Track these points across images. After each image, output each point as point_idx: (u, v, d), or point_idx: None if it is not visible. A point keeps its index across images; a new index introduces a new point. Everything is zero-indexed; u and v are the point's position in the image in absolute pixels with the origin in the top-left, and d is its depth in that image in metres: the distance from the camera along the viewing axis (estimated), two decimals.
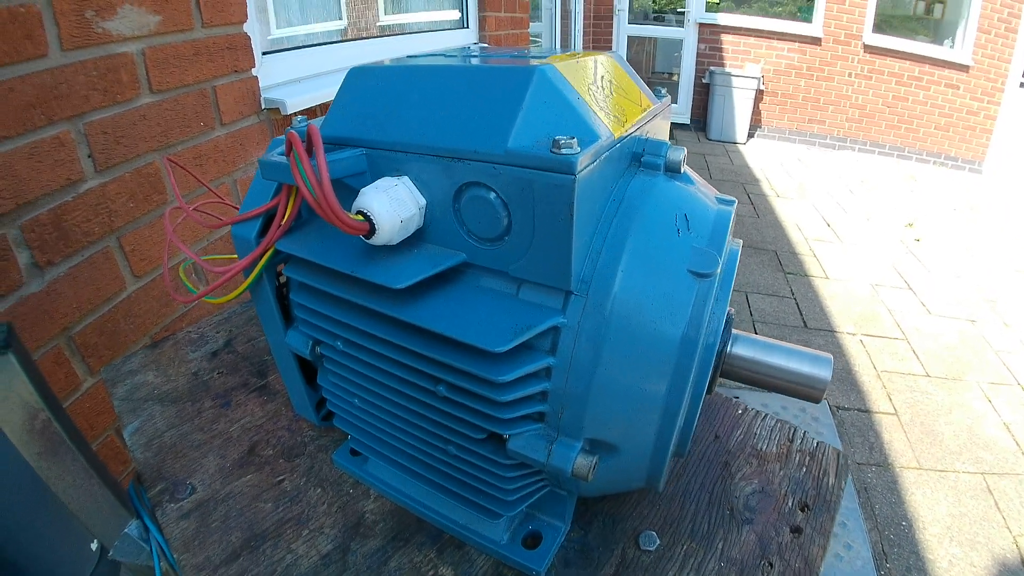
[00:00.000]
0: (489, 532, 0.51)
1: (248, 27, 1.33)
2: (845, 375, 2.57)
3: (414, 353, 0.41)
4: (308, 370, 0.59)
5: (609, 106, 0.41)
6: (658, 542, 0.55)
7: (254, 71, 1.39)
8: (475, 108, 0.37)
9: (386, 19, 2.66)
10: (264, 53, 1.53)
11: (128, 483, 0.69)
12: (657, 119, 0.51)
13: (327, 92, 1.64)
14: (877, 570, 1.69)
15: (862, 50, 5.45)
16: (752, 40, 5.77)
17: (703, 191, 0.46)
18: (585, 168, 0.33)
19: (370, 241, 0.37)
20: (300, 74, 1.66)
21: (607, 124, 0.39)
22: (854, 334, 2.89)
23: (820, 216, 4.32)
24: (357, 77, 0.44)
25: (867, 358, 2.69)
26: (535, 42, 4.95)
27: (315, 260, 0.41)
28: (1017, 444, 2.20)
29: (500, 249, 0.38)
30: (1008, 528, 1.84)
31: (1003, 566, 1.72)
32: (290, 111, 1.48)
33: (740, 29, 5.77)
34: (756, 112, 5.99)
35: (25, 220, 0.89)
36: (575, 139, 0.33)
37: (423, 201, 0.39)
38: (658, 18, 7.02)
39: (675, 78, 6.48)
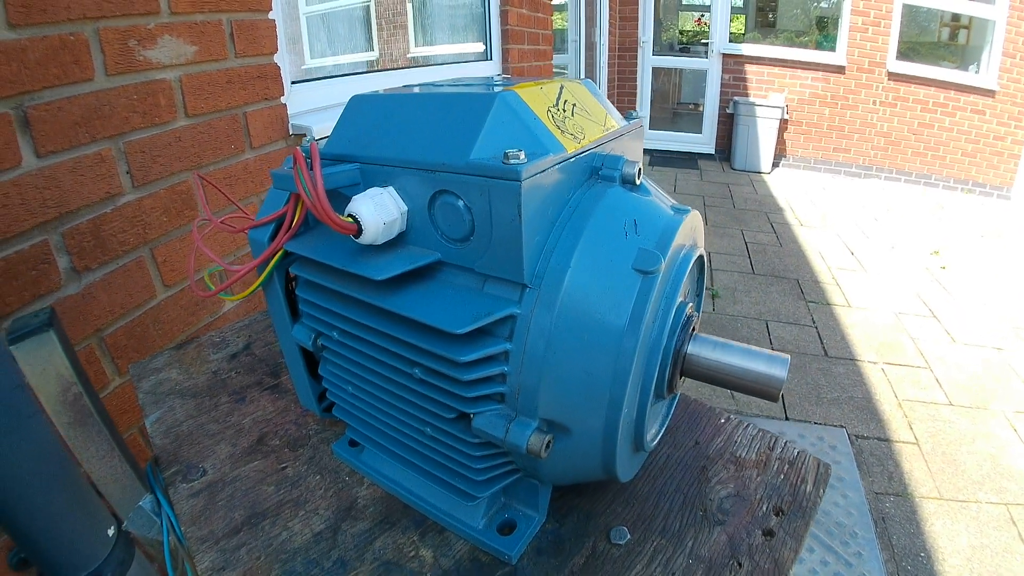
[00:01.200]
0: (467, 518, 0.56)
1: (278, 58, 1.43)
2: (865, 404, 2.53)
3: (394, 339, 0.47)
4: (311, 364, 0.65)
5: (567, 126, 0.47)
6: (628, 537, 0.57)
7: (283, 99, 1.49)
8: (446, 128, 0.44)
9: (415, 51, 2.80)
10: (293, 82, 1.63)
11: (146, 467, 0.75)
12: (625, 139, 0.57)
13: None
14: None
15: (886, 77, 5.44)
16: (776, 70, 5.82)
17: (660, 202, 0.50)
18: (532, 176, 0.39)
19: (358, 240, 0.43)
20: (327, 102, 1.77)
21: (562, 141, 0.45)
22: (876, 363, 2.85)
23: (844, 244, 4.28)
24: (355, 103, 0.52)
25: (888, 387, 2.65)
26: (561, 72, 5.08)
27: (315, 258, 0.47)
28: None
29: (467, 248, 0.44)
30: None
31: None
32: (317, 137, 1.57)
33: (764, 59, 5.83)
34: (780, 141, 5.99)
35: (66, 228, 0.98)
36: (523, 152, 0.39)
37: (405, 207, 0.46)
38: (684, 49, 7.11)
39: (700, 108, 6.54)
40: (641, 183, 0.50)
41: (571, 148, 0.46)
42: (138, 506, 0.67)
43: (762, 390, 0.49)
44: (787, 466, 0.68)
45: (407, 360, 0.47)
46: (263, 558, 0.56)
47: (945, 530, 1.90)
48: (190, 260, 0.63)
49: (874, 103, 5.59)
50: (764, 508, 0.61)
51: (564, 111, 0.49)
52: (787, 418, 2.45)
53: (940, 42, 5.75)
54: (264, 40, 1.36)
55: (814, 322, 3.21)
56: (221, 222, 0.67)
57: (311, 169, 0.42)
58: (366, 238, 0.42)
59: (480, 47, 3.02)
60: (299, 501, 0.64)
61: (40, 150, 0.93)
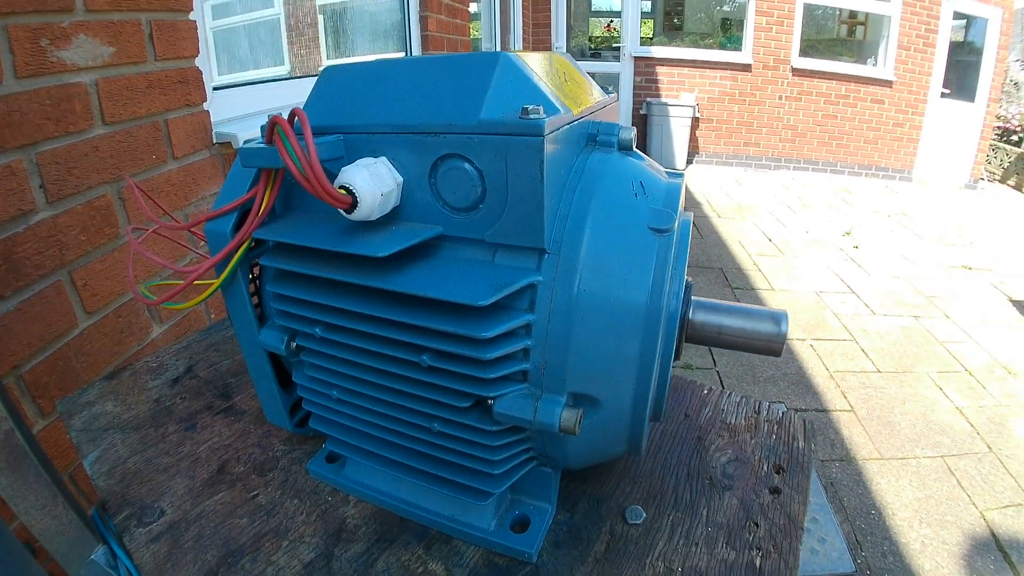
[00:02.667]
0: (476, 520, 0.52)
1: (200, 61, 1.33)
2: (799, 379, 2.66)
3: (398, 324, 0.42)
4: (281, 374, 0.59)
5: (564, 91, 0.45)
6: (644, 515, 0.56)
7: (206, 105, 1.38)
8: (447, 89, 0.40)
9: (330, 62, 2.69)
10: (215, 88, 1.53)
11: (92, 513, 0.65)
12: (606, 111, 0.55)
13: None
14: (854, 559, 1.73)
15: (791, 73, 5.83)
16: (686, 70, 6.10)
17: (654, 167, 0.50)
18: (551, 132, 0.37)
19: (351, 216, 0.38)
20: (252, 109, 1.66)
21: (565, 104, 0.43)
22: (804, 339, 3.00)
23: (762, 232, 4.52)
24: (331, 74, 0.47)
25: (819, 360, 2.80)
26: None
27: (296, 242, 0.42)
28: (972, 426, 2.31)
29: (475, 217, 0.40)
30: (974, 504, 1.92)
31: (974, 540, 1.79)
32: (242, 145, 1.47)
33: (674, 61, 6.10)
34: (693, 139, 6.28)
35: None
36: (541, 107, 0.37)
37: (400, 178, 0.41)
38: (595, 55, 7.31)
39: None
40: (634, 150, 0.49)
41: (576, 111, 0.44)
42: (90, 560, 0.57)
43: (766, 347, 0.50)
44: (776, 426, 0.70)
45: (413, 347, 0.43)
46: None
47: (891, 487, 2.01)
48: (129, 270, 0.55)
49: (780, 98, 5.97)
50: (765, 468, 0.63)
51: (558, 77, 0.46)
52: None
53: (839, 38, 6.24)
54: (185, 42, 1.26)
55: None
56: (154, 231, 0.60)
57: (299, 137, 0.37)
58: (360, 213, 0.38)
59: (400, 55, 2.96)
60: (280, 531, 0.57)
61: None
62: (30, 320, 0.94)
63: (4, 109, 0.87)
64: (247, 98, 1.68)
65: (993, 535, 1.80)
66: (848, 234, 4.46)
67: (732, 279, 3.69)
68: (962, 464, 2.10)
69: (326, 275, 0.42)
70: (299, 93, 1.96)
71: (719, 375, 2.68)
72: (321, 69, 0.47)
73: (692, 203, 5.23)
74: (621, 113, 6.53)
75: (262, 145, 0.41)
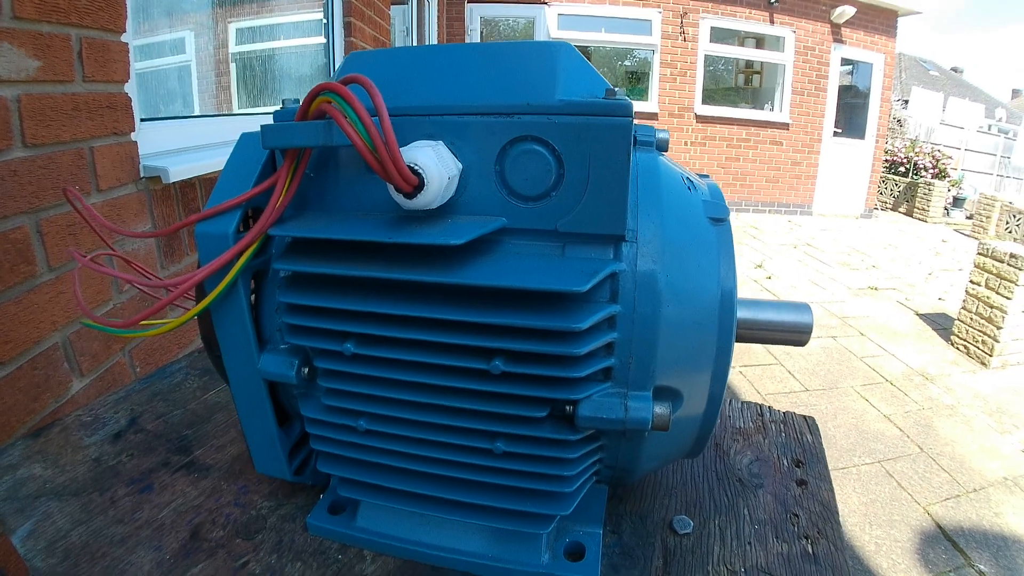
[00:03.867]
0: (526, 557, 0.46)
1: (129, 88, 1.22)
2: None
3: (466, 326, 0.37)
4: (278, 412, 0.51)
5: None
6: (692, 524, 0.55)
7: (133, 136, 1.26)
8: (515, 71, 0.38)
9: (242, 111, 2.56)
10: (142, 120, 1.40)
11: None
12: None
13: (212, 163, 1.52)
14: None
15: (695, 120, 6.32)
16: None
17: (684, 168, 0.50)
18: (632, 115, 0.36)
19: (412, 202, 0.34)
20: (181, 144, 1.54)
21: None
22: (733, 367, 3.15)
23: None
24: (360, 59, 0.42)
25: (750, 385, 2.93)
26: None
27: (340, 236, 0.36)
28: (900, 430, 2.47)
29: (546, 206, 0.37)
30: (917, 502, 2.02)
31: (923, 535, 1.88)
32: (172, 180, 1.35)
33: None
34: None
35: None
36: (618, 89, 0.36)
37: (460, 165, 0.38)
38: None
39: None
40: None
41: None
42: None
43: (794, 338, 0.50)
44: (783, 426, 0.73)
45: (482, 352, 0.38)
46: None
47: (837, 496, 2.09)
48: (76, 289, 0.46)
49: (686, 144, 6.44)
50: (786, 464, 0.65)
51: None
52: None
53: (738, 87, 6.86)
54: (116, 65, 1.15)
55: None
56: (92, 260, 0.51)
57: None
58: (424, 197, 0.33)
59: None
60: None
61: None
62: None
63: None
64: (175, 133, 1.55)
65: (939, 527, 1.90)
66: (760, 266, 4.77)
67: None
68: (899, 466, 2.23)
69: (376, 274, 0.36)
70: (231, 130, 1.85)
71: None
72: (347, 56, 0.42)
73: None
74: None
75: (291, 123, 0.35)
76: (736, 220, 6.38)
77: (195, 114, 2.00)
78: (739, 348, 3.29)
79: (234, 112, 2.14)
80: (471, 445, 0.41)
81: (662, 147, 0.47)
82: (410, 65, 0.41)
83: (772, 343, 0.52)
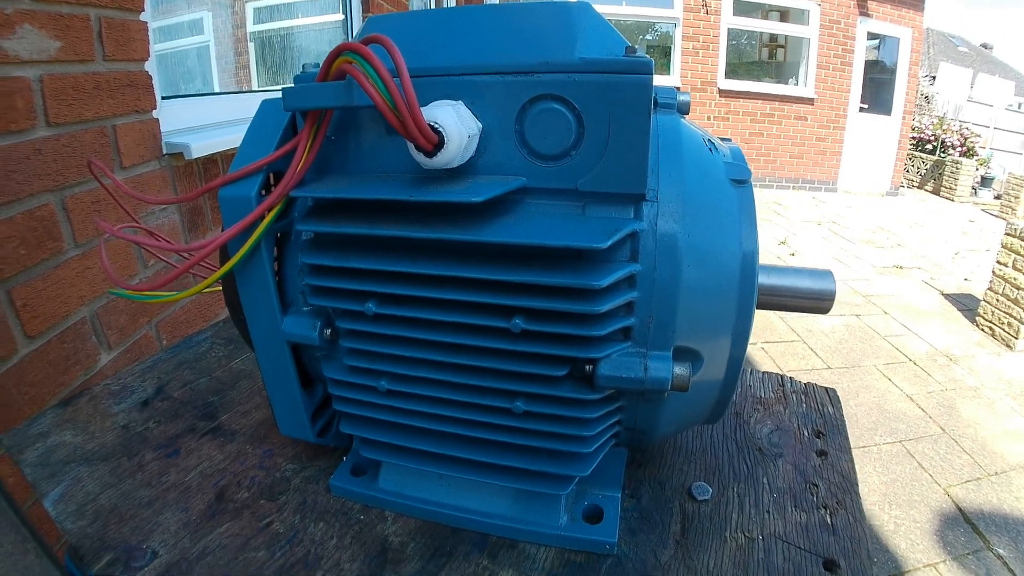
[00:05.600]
0: (545, 518, 0.47)
1: (150, 66, 1.23)
2: None
3: (486, 284, 0.38)
4: (301, 374, 0.51)
5: None
6: (711, 490, 0.55)
7: (155, 113, 1.28)
8: (534, 29, 0.38)
9: (261, 88, 2.58)
10: (164, 97, 1.42)
11: (64, 561, 0.54)
12: None
13: (233, 139, 1.54)
14: None
15: (717, 94, 6.16)
16: None
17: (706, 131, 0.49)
18: (652, 73, 0.35)
19: (432, 160, 0.34)
20: (203, 121, 1.56)
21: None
22: (755, 343, 3.11)
23: None
24: (380, 22, 0.42)
25: (772, 362, 2.89)
26: None
27: (362, 196, 0.36)
28: (923, 410, 2.43)
29: (566, 165, 0.37)
30: (937, 483, 2.00)
31: (943, 516, 1.86)
32: (195, 156, 1.36)
33: None
34: None
35: None
36: (639, 48, 0.35)
37: (480, 125, 0.37)
38: None
39: None
40: None
41: None
42: None
43: (816, 305, 0.50)
44: (803, 396, 0.73)
45: (503, 310, 0.38)
46: None
47: (858, 474, 2.07)
48: (102, 259, 0.47)
49: (709, 118, 6.30)
50: (806, 434, 0.65)
51: None
52: None
53: (761, 61, 6.67)
54: (135, 43, 1.16)
55: None
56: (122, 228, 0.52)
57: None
58: (444, 156, 0.33)
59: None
60: (309, 560, 0.49)
61: None
62: None
63: None
64: (196, 111, 1.56)
65: (959, 509, 1.88)
66: (783, 243, 4.69)
67: None
68: (920, 447, 2.20)
69: (398, 233, 0.36)
70: (254, 105, 1.85)
71: None
72: (368, 19, 0.42)
73: None
74: None
75: (312, 84, 0.35)
76: (760, 196, 6.26)
77: (215, 91, 2.01)
78: (761, 324, 3.26)
79: (254, 89, 2.14)
80: (491, 404, 0.41)
81: (683, 110, 0.46)
82: (429, 26, 0.40)
83: (794, 311, 0.51)
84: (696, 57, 6.12)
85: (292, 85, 0.40)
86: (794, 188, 6.56)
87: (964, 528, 1.81)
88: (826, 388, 0.74)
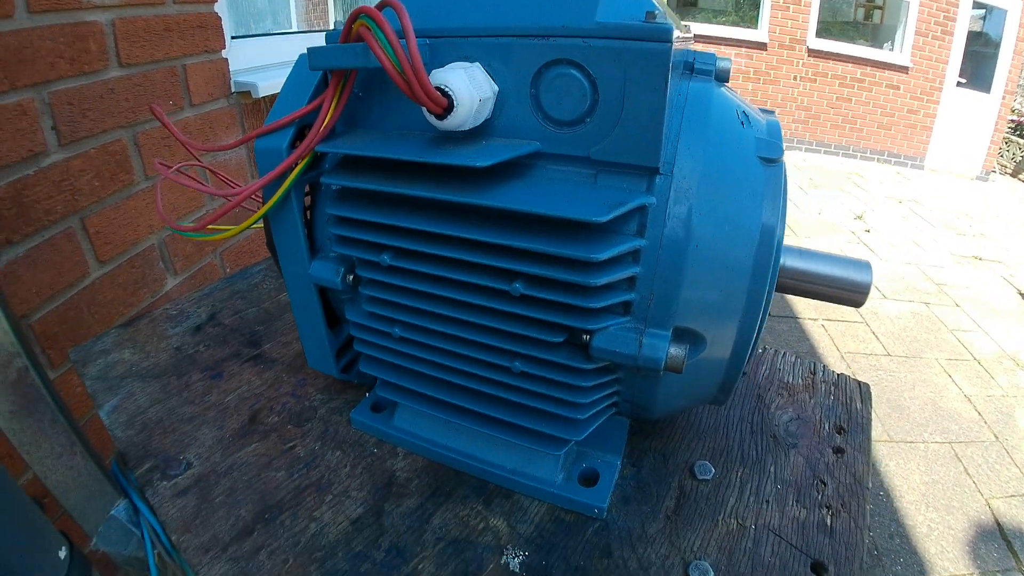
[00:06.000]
0: (542, 473, 0.49)
1: (219, 7, 1.26)
2: (811, 357, 2.66)
3: (489, 246, 0.39)
4: (327, 314, 0.55)
5: (666, 12, 0.41)
6: (713, 471, 0.54)
7: (224, 53, 1.32)
8: None
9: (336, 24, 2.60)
10: (233, 37, 1.46)
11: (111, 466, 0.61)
12: (687, 46, 0.51)
13: None
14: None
15: (806, 54, 5.72)
16: (700, 46, 5.97)
17: (747, 101, 0.46)
18: (674, 41, 0.33)
19: (443, 123, 0.35)
20: (271, 60, 1.60)
21: (674, 22, 0.39)
22: (816, 319, 2.98)
23: None
24: None
25: (830, 341, 2.78)
26: None
27: (375, 154, 0.38)
28: (979, 414, 2.30)
29: (580, 132, 0.37)
30: (980, 492, 1.91)
31: (979, 528, 1.78)
32: (262, 95, 1.41)
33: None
34: None
35: None
36: (664, 13, 0.34)
37: (496, 87, 0.37)
38: None
39: None
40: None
41: (683, 32, 0.41)
42: (110, 516, 0.53)
43: (849, 297, 0.47)
44: (833, 387, 0.69)
45: (504, 273, 0.39)
46: (292, 561, 0.46)
47: (899, 469, 2.00)
48: (158, 200, 0.50)
49: (795, 78, 5.86)
50: (827, 428, 0.62)
51: None
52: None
53: (855, 21, 6.10)
54: None
55: None
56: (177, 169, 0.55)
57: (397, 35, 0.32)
58: (455, 119, 0.33)
59: None
60: (322, 484, 0.53)
61: None
62: (40, 267, 0.90)
63: (15, 44, 0.82)
64: (265, 49, 1.60)
65: (997, 523, 1.79)
66: (860, 217, 4.41)
67: None
68: (969, 451, 2.09)
69: (408, 191, 0.38)
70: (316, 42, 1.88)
71: None
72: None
73: None
74: None
75: (334, 45, 0.36)
76: (841, 166, 5.84)
77: (285, 31, 2.05)
78: (825, 303, 3.12)
79: (330, 29, 2.17)
80: (492, 361, 0.43)
81: (722, 77, 0.44)
82: None
83: (825, 299, 0.49)
84: (786, 12, 5.65)
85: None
86: (878, 160, 6.08)
87: (999, 544, 1.72)
88: (859, 382, 0.71)
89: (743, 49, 5.86)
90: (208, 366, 0.72)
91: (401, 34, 0.33)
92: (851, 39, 5.89)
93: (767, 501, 0.52)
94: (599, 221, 0.33)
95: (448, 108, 0.33)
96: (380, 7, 0.33)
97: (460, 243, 0.39)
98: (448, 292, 0.42)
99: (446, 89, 0.33)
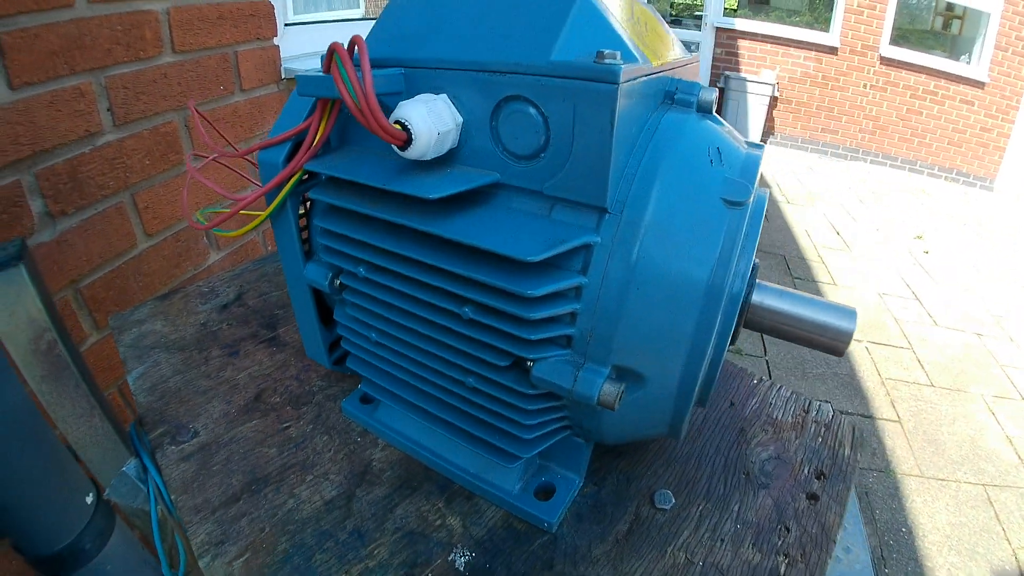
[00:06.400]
0: (501, 481, 0.51)
1: None
2: (850, 380, 2.56)
3: (442, 271, 0.41)
4: (323, 311, 0.59)
5: (645, 40, 0.42)
6: (673, 501, 0.54)
7: (276, 40, 1.39)
8: (518, 24, 0.38)
9: None
10: (287, 24, 1.53)
11: (129, 428, 0.68)
12: (687, 70, 0.51)
13: None
14: (876, 575, 1.68)
15: (878, 61, 5.41)
16: (769, 47, 5.75)
17: (733, 134, 0.45)
18: (628, 82, 0.34)
19: (404, 153, 0.37)
20: (321, 47, 1.66)
21: (644, 54, 0.39)
22: (860, 341, 2.87)
23: (830, 224, 4.30)
24: (399, 2, 0.44)
25: (872, 365, 2.68)
26: None
27: (346, 177, 0.40)
28: (1019, 457, 2.18)
29: (535, 167, 0.38)
30: (1008, 540, 1.82)
31: None
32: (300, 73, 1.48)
33: (757, 35, 5.75)
34: (770, 119, 5.97)
35: (41, 168, 0.89)
36: (619, 53, 0.33)
37: (460, 119, 0.39)
38: (676, 22, 6.99)
39: None
40: (713, 114, 0.45)
41: (655, 63, 0.40)
42: (121, 472, 0.60)
43: (829, 344, 0.46)
44: (824, 429, 0.66)
45: (456, 297, 0.42)
46: (268, 530, 0.50)
47: (926, 507, 1.93)
48: (184, 195, 0.55)
49: (865, 86, 5.56)
50: (806, 471, 0.60)
51: (639, 25, 0.43)
52: None
53: (933, 31, 5.73)
54: None
55: None
56: (214, 159, 0.60)
57: (357, 67, 0.35)
58: (415, 151, 0.36)
59: None
60: (306, 464, 0.58)
61: (14, 81, 0.83)
62: (91, 237, 0.98)
63: (75, 32, 0.89)
64: (318, 36, 1.67)
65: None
66: (920, 237, 4.19)
67: (794, 269, 3.55)
68: (1003, 496, 1.99)
69: (374, 213, 0.41)
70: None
71: (768, 364, 2.60)
72: None
73: (761, 184, 5.03)
74: None
75: (319, 74, 0.39)
76: (906, 181, 5.53)
77: (342, 18, 2.12)
78: (871, 321, 2.99)
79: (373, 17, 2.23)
80: (450, 375, 0.46)
81: (705, 108, 0.44)
82: (436, 12, 0.42)
83: (804, 343, 0.48)
84: (860, 17, 5.34)
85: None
86: (945, 178, 5.72)
87: None
88: (853, 426, 0.67)
89: (812, 52, 5.62)
90: (227, 344, 0.78)
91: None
92: (927, 48, 5.54)
93: (722, 540, 0.51)
94: (528, 260, 0.34)
95: (407, 141, 0.36)
96: (350, 44, 0.36)
97: (420, 265, 0.42)
98: (413, 308, 0.44)
99: (405, 123, 0.35)
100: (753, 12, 6.12)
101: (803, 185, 5.12)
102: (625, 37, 0.38)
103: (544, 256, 0.35)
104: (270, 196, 0.48)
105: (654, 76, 0.40)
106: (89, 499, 0.76)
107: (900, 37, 5.45)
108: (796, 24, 5.85)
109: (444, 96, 0.39)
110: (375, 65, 0.41)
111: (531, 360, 0.40)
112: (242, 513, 0.52)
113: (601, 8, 0.38)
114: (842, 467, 0.61)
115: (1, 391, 0.56)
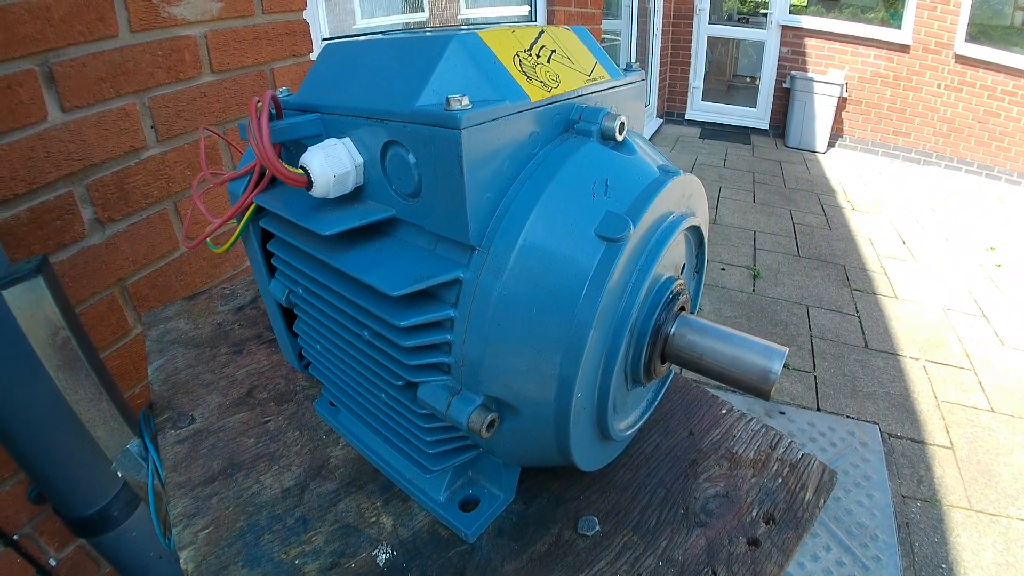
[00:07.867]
0: (429, 489, 0.54)
1: (308, 14, 1.42)
2: (903, 401, 2.42)
3: (345, 298, 0.45)
4: (291, 320, 0.66)
5: (538, 73, 0.43)
6: (597, 528, 0.53)
7: (311, 55, 1.48)
8: (398, 73, 0.41)
9: (466, 12, 2.79)
10: (324, 39, 1.63)
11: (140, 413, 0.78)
12: (622, 95, 0.52)
13: None
14: None
15: (953, 60, 5.02)
16: (837, 45, 5.47)
17: (646, 161, 0.45)
18: (476, 125, 0.36)
19: (311, 193, 0.42)
20: None
21: (526, 89, 0.41)
22: (918, 359, 2.71)
23: (896, 232, 4.06)
24: (327, 51, 0.50)
25: (928, 386, 2.52)
26: (611, 40, 4.90)
27: (275, 210, 0.46)
28: None
29: (417, 204, 0.41)
30: None
31: None
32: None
33: (824, 33, 5.48)
34: (838, 120, 5.67)
35: (91, 180, 1.01)
36: (466, 97, 0.36)
37: (360, 159, 0.43)
38: (743, 20, 6.76)
39: (756, 81, 6.23)
40: (625, 139, 0.45)
41: (537, 96, 0.41)
42: (126, 449, 0.69)
43: (753, 384, 0.44)
44: (787, 469, 0.61)
45: (357, 321, 0.46)
46: (231, 508, 0.57)
47: (971, 543, 1.81)
48: (185, 220, 0.64)
49: (939, 86, 5.17)
50: (754, 514, 0.56)
51: (537, 57, 0.44)
52: (819, 409, 2.36)
53: (1013, 27, 5.25)
54: None
55: (857, 311, 3.06)
56: (211, 173, 0.68)
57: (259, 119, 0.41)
58: (317, 191, 0.41)
59: (524, 9, 2.94)
60: (275, 456, 0.64)
61: (65, 105, 0.95)
62: (137, 241, 1.11)
63: (119, 59, 1.01)
64: None
65: None
66: (992, 249, 3.88)
67: (854, 279, 3.37)
68: None
69: (298, 244, 0.46)
70: None
71: (816, 380, 2.50)
72: (323, 45, 0.51)
73: (826, 190, 4.76)
74: (762, 84, 5.98)
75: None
76: (983, 187, 5.08)
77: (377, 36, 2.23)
78: (933, 340, 2.81)
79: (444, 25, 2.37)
80: (370, 388, 0.50)
81: (608, 135, 0.44)
82: (347, 61, 0.46)
83: (727, 382, 0.46)
84: (933, 12, 4.94)
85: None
86: None
87: None
88: (824, 468, 0.62)
89: (883, 51, 5.30)
90: (235, 343, 0.87)
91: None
92: (1008, 45, 5.08)
93: (639, 575, 0.49)
94: (392, 295, 0.38)
95: (309, 183, 0.41)
96: (270, 95, 0.42)
97: (331, 291, 0.47)
98: (334, 326, 0.50)
99: (306, 168, 0.40)
100: (826, 9, 5.83)
101: (870, 190, 4.85)
102: (499, 76, 0.40)
103: (407, 291, 0.38)
104: (237, 221, 0.55)
105: (538, 109, 0.41)
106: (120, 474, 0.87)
107: (977, 34, 5.04)
108: (870, 21, 5.53)
109: (347, 139, 0.43)
110: (303, 110, 0.47)
111: (416, 383, 0.44)
112: (215, 492, 0.60)
113: (475, 51, 0.40)
114: (797, 513, 0.56)
115: (36, 380, 0.66)
